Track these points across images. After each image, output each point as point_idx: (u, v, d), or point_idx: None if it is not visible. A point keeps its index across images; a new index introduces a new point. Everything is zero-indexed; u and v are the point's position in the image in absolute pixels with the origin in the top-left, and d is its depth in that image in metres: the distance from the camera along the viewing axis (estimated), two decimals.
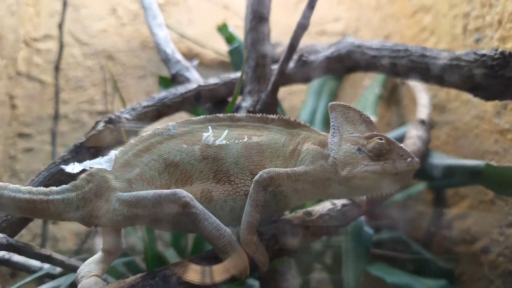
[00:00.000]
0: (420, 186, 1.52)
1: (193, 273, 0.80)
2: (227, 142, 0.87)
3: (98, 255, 0.90)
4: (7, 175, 1.78)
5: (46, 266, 1.03)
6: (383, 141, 0.84)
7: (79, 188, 0.84)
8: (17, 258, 1.02)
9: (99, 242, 1.64)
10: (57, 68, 1.83)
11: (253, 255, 0.82)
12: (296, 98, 2.00)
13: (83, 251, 1.61)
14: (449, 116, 1.71)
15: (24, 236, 1.73)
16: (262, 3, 1.16)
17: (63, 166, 0.84)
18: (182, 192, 0.80)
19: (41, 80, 1.86)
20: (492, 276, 1.46)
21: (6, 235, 0.83)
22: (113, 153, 0.86)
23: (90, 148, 0.99)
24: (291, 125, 0.92)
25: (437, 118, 1.75)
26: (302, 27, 1.01)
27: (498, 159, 1.42)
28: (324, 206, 0.95)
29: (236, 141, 0.88)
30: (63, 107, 1.84)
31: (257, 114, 0.91)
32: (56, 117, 1.81)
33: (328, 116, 2.07)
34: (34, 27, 1.88)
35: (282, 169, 0.85)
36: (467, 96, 1.63)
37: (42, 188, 0.83)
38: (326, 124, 1.91)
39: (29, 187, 0.83)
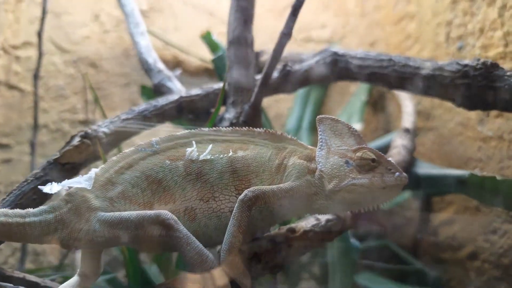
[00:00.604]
0: (406, 194, 1.53)
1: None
2: (212, 157, 0.86)
3: (74, 279, 0.86)
4: None
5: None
6: (371, 154, 0.84)
7: (57, 209, 0.81)
8: None
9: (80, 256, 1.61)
10: (36, 76, 1.78)
11: (234, 276, 0.80)
12: (283, 105, 1.99)
13: (65, 266, 1.57)
14: (434, 123, 1.72)
15: (3, 251, 1.67)
16: (245, 12, 1.15)
17: (40, 187, 0.80)
18: (166, 213, 0.78)
19: (20, 89, 1.81)
20: (479, 282, 1.47)
21: None
22: (93, 171, 0.83)
23: (65, 164, 0.95)
24: (278, 138, 0.91)
25: (422, 125, 1.76)
26: (285, 37, 1.00)
27: (482, 166, 1.44)
28: (308, 222, 0.93)
29: (221, 155, 0.86)
30: (43, 117, 1.79)
31: (243, 128, 0.90)
32: (35, 127, 1.76)
33: (315, 123, 2.06)
34: (13, 34, 1.83)
35: (267, 187, 0.83)
36: (451, 103, 1.65)
37: (18, 210, 0.80)
38: (312, 131, 1.91)
39: (5, 209, 0.80)
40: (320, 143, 0.88)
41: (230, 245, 0.79)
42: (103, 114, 1.34)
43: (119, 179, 0.83)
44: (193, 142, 0.87)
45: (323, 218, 0.94)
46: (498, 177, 1.07)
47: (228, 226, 0.80)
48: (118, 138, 1.06)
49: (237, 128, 0.89)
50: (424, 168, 1.38)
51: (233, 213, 0.81)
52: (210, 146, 0.86)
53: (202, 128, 0.89)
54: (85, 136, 0.98)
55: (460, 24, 1.57)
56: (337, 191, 0.83)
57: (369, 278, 1.35)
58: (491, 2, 1.42)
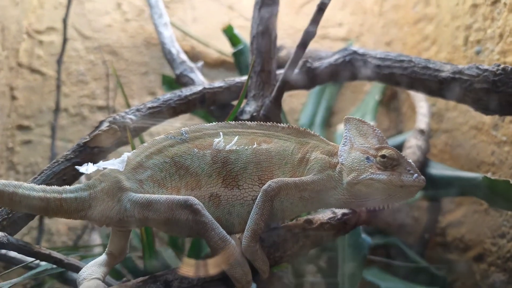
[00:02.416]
0: (417, 195, 1.54)
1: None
2: (237, 148, 0.89)
3: (102, 257, 0.90)
4: (4, 167, 1.78)
5: (43, 263, 1.03)
6: (393, 153, 0.86)
7: (91, 188, 0.85)
8: (13, 253, 1.02)
9: (95, 238, 1.65)
10: (59, 62, 1.82)
11: (254, 262, 0.84)
12: (296, 100, 2.01)
13: (78, 247, 1.62)
14: (447, 125, 1.73)
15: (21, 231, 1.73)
16: (270, 8, 1.17)
17: (77, 167, 0.85)
18: (194, 199, 0.81)
19: (42, 73, 1.85)
20: (484, 285, 1.49)
21: (6, 234, 0.83)
22: (125, 155, 0.87)
23: (93, 148, 0.99)
24: (301, 134, 0.94)
25: (435, 126, 1.77)
26: (309, 35, 1.02)
27: (494, 170, 1.45)
28: (325, 215, 0.96)
29: (246, 147, 0.89)
30: (64, 101, 1.84)
31: (268, 123, 0.93)
32: (56, 110, 1.81)
33: (328, 119, 2.08)
34: (37, 19, 1.87)
35: (290, 179, 0.87)
36: (465, 106, 1.65)
37: (55, 187, 0.85)
38: (325, 127, 1.93)
39: (43, 185, 0.84)
40: (344, 140, 0.91)
41: (252, 232, 0.82)
42: (125, 100, 1.38)
43: (149, 163, 0.87)
44: (220, 133, 0.91)
45: (340, 211, 0.97)
46: None
47: (251, 214, 0.83)
48: (143, 125, 1.09)
49: (262, 123, 0.93)
50: (438, 169, 1.40)
51: (256, 202, 0.84)
52: (236, 137, 0.90)
53: (229, 122, 0.93)
54: (114, 122, 1.01)
55: (479, 28, 1.57)
56: (355, 184, 0.85)
57: (377, 274, 1.38)
58: None
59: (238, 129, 0.92)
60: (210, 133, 0.91)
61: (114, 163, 0.85)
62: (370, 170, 0.85)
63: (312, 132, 0.95)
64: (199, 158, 0.88)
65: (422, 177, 0.86)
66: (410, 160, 0.88)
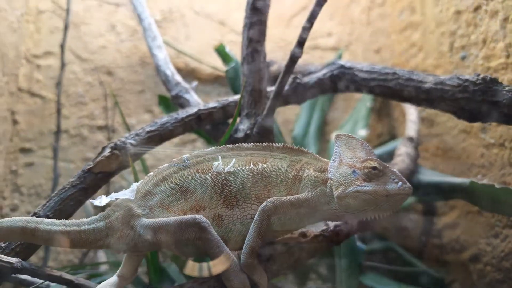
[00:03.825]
0: (410, 199, 1.59)
1: None
2: (235, 169, 0.94)
3: (112, 279, 0.96)
4: (8, 190, 1.82)
5: (54, 284, 1.07)
6: (375, 163, 0.90)
7: (106, 218, 0.92)
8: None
9: (101, 255, 1.69)
10: (58, 85, 1.87)
11: (252, 276, 0.88)
12: (290, 111, 2.06)
13: (84, 265, 1.65)
14: (438, 129, 1.77)
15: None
16: (258, 29, 1.22)
17: (91, 200, 0.92)
18: (201, 217, 0.87)
19: (42, 96, 1.90)
20: (481, 284, 1.52)
21: (20, 259, 0.88)
22: (135, 185, 0.94)
23: (98, 173, 1.04)
24: (295, 152, 0.99)
25: (426, 131, 1.81)
26: (296, 55, 1.07)
27: (485, 172, 1.49)
28: (318, 227, 1.01)
29: (243, 168, 0.95)
30: (64, 122, 1.88)
31: (264, 143, 0.99)
32: (57, 132, 1.85)
33: (321, 129, 2.11)
34: (34, 44, 1.93)
35: (286, 197, 0.91)
36: None
37: (74, 220, 0.91)
38: (319, 137, 1.97)
39: (62, 220, 0.91)
40: (334, 156, 0.96)
41: (250, 249, 0.87)
42: (123, 119, 1.42)
43: (156, 190, 0.93)
44: (219, 157, 0.96)
45: (332, 223, 1.02)
46: (497, 185, 1.13)
47: (249, 231, 0.88)
48: (143, 149, 1.14)
49: (258, 144, 0.98)
50: (427, 176, 1.44)
51: (254, 220, 0.89)
52: (234, 160, 0.95)
53: (227, 145, 0.99)
54: (115, 147, 1.06)
55: (463, 34, 1.62)
56: (343, 197, 0.89)
57: (375, 279, 1.41)
58: (494, 15, 1.46)
59: (236, 151, 0.97)
60: (210, 157, 0.97)
61: (125, 193, 0.91)
62: (356, 182, 0.89)
63: (306, 150, 1.00)
64: (201, 181, 0.94)
65: (408, 184, 0.89)
66: (395, 170, 0.92)
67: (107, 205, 0.92)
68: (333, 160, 0.95)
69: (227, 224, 0.92)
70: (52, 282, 0.92)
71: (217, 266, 0.85)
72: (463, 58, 1.63)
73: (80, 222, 0.91)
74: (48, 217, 0.98)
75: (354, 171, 0.91)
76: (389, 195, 0.89)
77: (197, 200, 0.93)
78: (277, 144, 0.99)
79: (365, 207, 0.90)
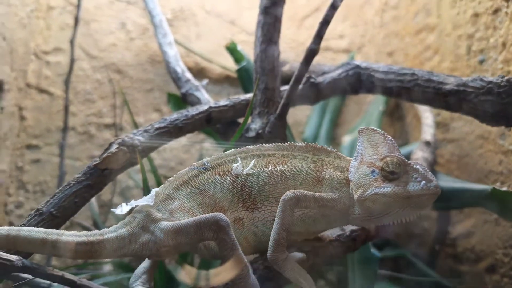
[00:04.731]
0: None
1: None
2: (254, 171, 0.92)
3: (145, 262, 0.95)
4: (14, 186, 1.80)
5: (56, 284, 1.04)
6: (394, 161, 0.82)
7: (128, 225, 0.90)
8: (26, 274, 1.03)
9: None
10: (67, 81, 1.86)
11: (283, 273, 0.84)
12: (301, 113, 2.02)
13: (88, 265, 1.62)
14: (453, 135, 1.72)
15: None
16: (272, 27, 1.19)
17: (112, 209, 0.91)
18: (221, 215, 0.83)
19: (50, 92, 1.88)
20: None
21: (21, 257, 0.84)
22: (154, 191, 0.92)
23: (104, 170, 1.01)
24: (317, 151, 0.94)
25: (441, 136, 1.76)
26: (312, 52, 1.03)
27: (503, 180, 1.44)
28: (334, 232, 0.96)
29: (262, 170, 0.92)
30: (71, 120, 1.87)
31: (285, 143, 0.95)
32: (64, 129, 1.83)
33: (332, 131, 2.07)
34: (44, 40, 1.91)
35: (309, 192, 0.87)
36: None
37: (96, 231, 0.90)
38: (330, 140, 1.93)
39: (84, 231, 0.89)
40: (356, 154, 0.90)
41: (274, 242, 0.83)
42: (131, 117, 1.40)
43: (176, 194, 0.91)
44: (238, 158, 0.93)
45: (348, 228, 0.97)
46: None
47: (273, 225, 0.85)
48: (151, 146, 1.11)
49: (279, 143, 0.95)
50: (446, 182, 1.39)
51: (276, 213, 0.85)
52: (253, 161, 0.93)
53: (247, 146, 0.96)
54: (122, 143, 1.03)
55: (481, 37, 1.58)
56: (363, 201, 0.84)
57: (387, 287, 1.36)
58: None
59: (256, 152, 0.94)
60: (230, 159, 0.94)
61: (144, 199, 0.90)
62: (374, 184, 0.82)
63: (329, 149, 0.95)
64: (221, 184, 0.92)
65: (434, 183, 0.80)
66: (418, 166, 0.83)
67: (128, 213, 0.91)
68: (355, 158, 0.89)
69: (249, 226, 0.89)
70: (54, 282, 0.88)
71: (228, 269, 0.81)
72: (481, 61, 1.58)
73: (102, 231, 0.90)
74: (52, 214, 0.95)
75: (373, 171, 0.84)
76: (411, 196, 0.80)
77: (217, 203, 0.90)
78: (299, 144, 0.95)
79: (387, 210, 0.83)
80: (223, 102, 1.22)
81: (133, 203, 0.90)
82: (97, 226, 1.66)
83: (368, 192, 0.83)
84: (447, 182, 1.36)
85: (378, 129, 0.91)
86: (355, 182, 0.86)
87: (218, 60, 1.94)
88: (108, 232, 0.89)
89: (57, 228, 0.93)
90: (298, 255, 0.91)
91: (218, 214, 0.83)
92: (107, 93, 1.93)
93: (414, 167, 0.83)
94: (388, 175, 0.82)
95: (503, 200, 1.11)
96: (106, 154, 1.01)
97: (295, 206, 0.85)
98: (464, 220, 1.63)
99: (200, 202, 0.91)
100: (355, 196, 0.85)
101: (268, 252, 0.84)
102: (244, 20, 2.06)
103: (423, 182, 0.81)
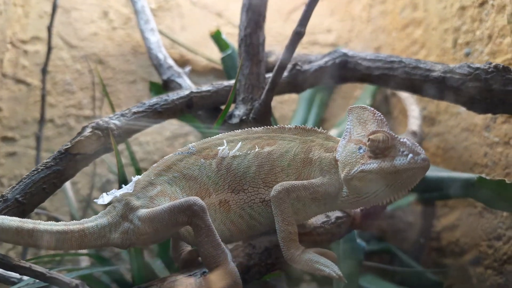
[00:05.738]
0: (410, 198, 1.53)
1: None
2: (240, 153, 0.89)
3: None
4: None
5: (26, 277, 0.98)
6: (380, 135, 0.77)
7: (108, 214, 0.87)
8: None
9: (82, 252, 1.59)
10: (44, 71, 1.78)
11: (301, 268, 0.80)
12: (287, 107, 2.00)
13: (64, 260, 1.55)
14: (439, 128, 1.73)
15: (4, 244, 1.66)
16: (258, 11, 1.16)
17: (95, 200, 0.88)
18: (195, 199, 0.80)
19: (27, 83, 1.81)
20: None
21: None
22: (135, 178, 0.90)
23: (76, 155, 0.95)
24: (307, 132, 0.91)
25: (427, 130, 1.76)
26: (297, 35, 1.00)
27: (488, 172, 1.44)
28: (318, 219, 0.93)
29: (249, 151, 0.89)
30: (50, 111, 1.79)
31: (274, 126, 0.93)
32: (42, 121, 1.76)
33: (319, 126, 2.07)
34: (22, 28, 1.84)
35: (297, 181, 0.84)
36: (456, 108, 1.65)
37: (75, 221, 0.86)
38: None
39: (62, 221, 0.85)
40: (345, 133, 0.86)
41: (283, 241, 0.81)
42: (112, 109, 1.34)
43: (158, 180, 0.88)
44: (224, 141, 0.91)
45: (333, 215, 0.94)
46: (508, 181, 1.07)
47: (275, 226, 0.82)
48: (128, 131, 1.06)
49: (268, 126, 0.92)
50: (431, 171, 1.37)
51: (273, 212, 0.83)
52: (240, 143, 0.90)
53: (235, 130, 0.93)
54: (97, 127, 0.98)
55: (468, 30, 1.58)
56: (349, 180, 0.80)
57: (372, 280, 1.34)
58: (501, 9, 1.43)
59: (244, 135, 0.91)
60: (216, 143, 0.91)
61: (124, 188, 0.87)
62: (361, 161, 0.78)
63: (319, 130, 0.91)
64: (206, 167, 0.89)
65: (422, 156, 0.75)
66: (405, 140, 0.77)
67: (110, 202, 0.88)
68: (343, 138, 0.86)
69: (235, 209, 0.86)
70: (21, 274, 0.83)
71: (203, 257, 0.77)
72: (468, 54, 1.59)
73: (82, 221, 0.86)
74: (17, 200, 0.89)
75: (360, 148, 0.80)
76: (398, 171, 0.75)
77: (202, 186, 0.88)
78: (288, 126, 0.92)
79: (374, 189, 0.79)
80: (205, 87, 1.18)
81: (114, 192, 0.87)
82: None
83: (354, 170, 0.79)
84: (433, 171, 1.35)
85: (368, 107, 0.88)
86: (342, 161, 0.82)
87: (203, 52, 1.90)
88: (88, 222, 0.86)
89: (24, 216, 0.87)
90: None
91: (193, 198, 0.79)
92: (88, 84, 1.86)
93: (402, 140, 0.78)
94: (375, 151, 0.77)
95: (489, 189, 1.10)
96: (78, 138, 0.96)
97: (287, 197, 0.82)
98: (448, 213, 1.63)
99: (183, 187, 0.88)
100: (342, 176, 0.82)
101: (283, 253, 0.81)
102: (230, 12, 2.03)
103: (410, 155, 0.76)
